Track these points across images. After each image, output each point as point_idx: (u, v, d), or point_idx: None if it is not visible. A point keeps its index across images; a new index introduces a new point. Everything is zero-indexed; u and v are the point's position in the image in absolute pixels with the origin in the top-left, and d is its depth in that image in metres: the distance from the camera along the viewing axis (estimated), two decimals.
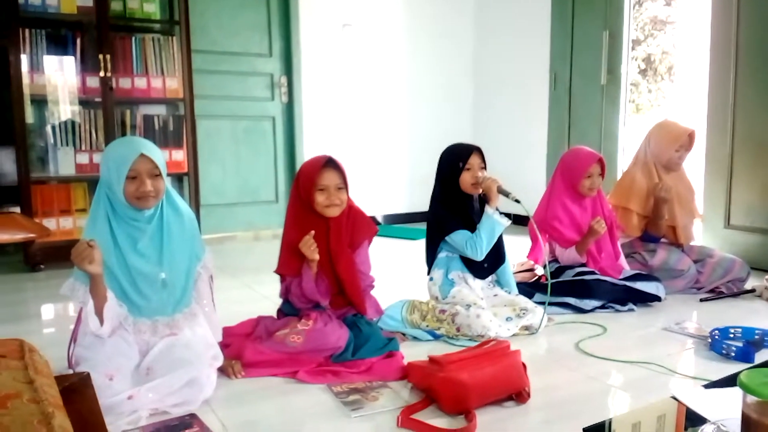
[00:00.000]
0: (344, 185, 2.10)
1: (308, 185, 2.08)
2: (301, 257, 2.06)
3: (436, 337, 2.28)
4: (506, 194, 2.37)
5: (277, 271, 2.17)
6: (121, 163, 1.74)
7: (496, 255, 2.49)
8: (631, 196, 2.92)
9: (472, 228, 2.42)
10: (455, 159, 2.44)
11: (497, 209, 2.40)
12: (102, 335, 1.72)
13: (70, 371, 1.78)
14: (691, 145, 2.94)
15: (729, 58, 3.50)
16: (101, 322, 1.72)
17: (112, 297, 1.75)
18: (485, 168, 2.44)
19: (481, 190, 2.43)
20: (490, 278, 2.54)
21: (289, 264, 2.12)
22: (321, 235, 2.10)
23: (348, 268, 2.15)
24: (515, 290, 2.54)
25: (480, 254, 2.39)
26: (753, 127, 3.42)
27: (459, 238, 2.40)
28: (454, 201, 2.45)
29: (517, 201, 2.36)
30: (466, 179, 2.42)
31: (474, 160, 2.41)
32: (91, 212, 1.83)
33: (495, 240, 2.42)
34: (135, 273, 1.80)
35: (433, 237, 2.51)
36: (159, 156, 1.80)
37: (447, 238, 2.44)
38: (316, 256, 2.04)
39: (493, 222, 2.38)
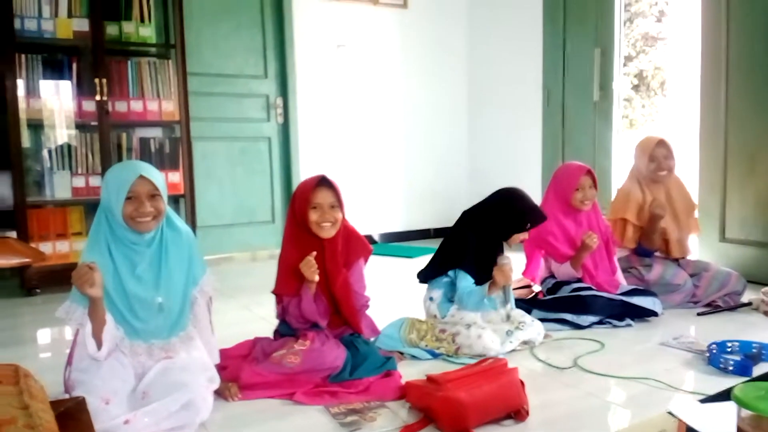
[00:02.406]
0: (338, 204, 2.11)
1: (302, 204, 2.09)
2: (300, 278, 2.06)
3: (435, 356, 2.27)
4: (506, 296, 2.45)
5: (274, 292, 2.17)
6: (120, 185, 1.75)
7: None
8: (626, 208, 2.95)
9: (480, 268, 2.41)
10: (523, 219, 2.47)
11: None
12: (99, 358, 1.71)
13: (66, 395, 1.77)
14: (668, 155, 2.96)
15: (720, 72, 3.53)
16: (99, 345, 1.71)
17: (111, 320, 1.74)
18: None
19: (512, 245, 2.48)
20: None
21: (288, 284, 2.12)
22: (317, 255, 2.09)
23: (343, 288, 2.15)
24: (511, 302, 2.54)
25: (465, 307, 2.39)
26: (745, 140, 3.44)
27: (463, 282, 2.40)
28: (490, 242, 2.46)
29: (507, 313, 2.44)
30: (515, 239, 2.47)
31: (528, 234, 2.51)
32: (90, 236, 1.83)
33: (479, 308, 2.40)
34: (132, 297, 1.79)
35: (448, 257, 2.48)
36: (158, 177, 1.81)
37: (457, 271, 2.43)
38: (316, 278, 2.04)
39: (483, 302, 2.39)
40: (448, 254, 2.49)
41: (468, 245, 2.43)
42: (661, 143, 2.96)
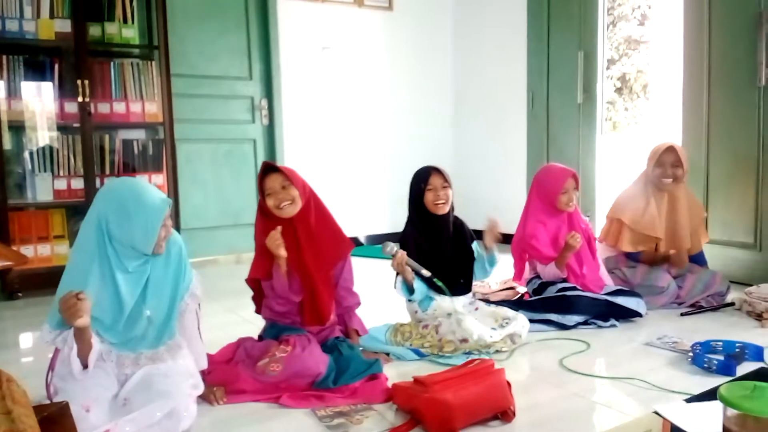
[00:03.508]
0: (289, 182, 2.13)
1: (260, 194, 2.16)
2: (271, 258, 2.09)
3: (421, 356, 2.28)
4: (418, 271, 2.35)
5: (248, 278, 2.20)
6: (150, 219, 1.72)
7: (468, 274, 2.54)
8: (624, 210, 2.96)
9: (439, 250, 2.45)
10: (417, 180, 2.49)
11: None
12: (81, 378, 1.67)
13: (48, 401, 1.74)
14: (676, 163, 2.92)
15: (702, 75, 3.57)
16: (84, 364, 1.67)
17: (97, 341, 1.69)
18: (449, 187, 2.47)
19: (447, 209, 2.47)
20: (470, 295, 2.56)
21: (260, 266, 2.16)
22: (289, 236, 2.13)
23: (317, 263, 2.18)
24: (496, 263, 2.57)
25: (414, 296, 2.43)
26: (727, 143, 3.48)
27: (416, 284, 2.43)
28: (422, 222, 2.49)
29: (434, 279, 2.36)
30: (429, 199, 2.46)
31: (435, 180, 2.45)
32: (78, 246, 1.77)
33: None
34: (120, 310, 1.76)
35: None
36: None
37: None
38: (283, 252, 2.08)
39: (411, 303, 2.46)
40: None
41: (408, 240, 2.48)
42: (670, 150, 2.92)
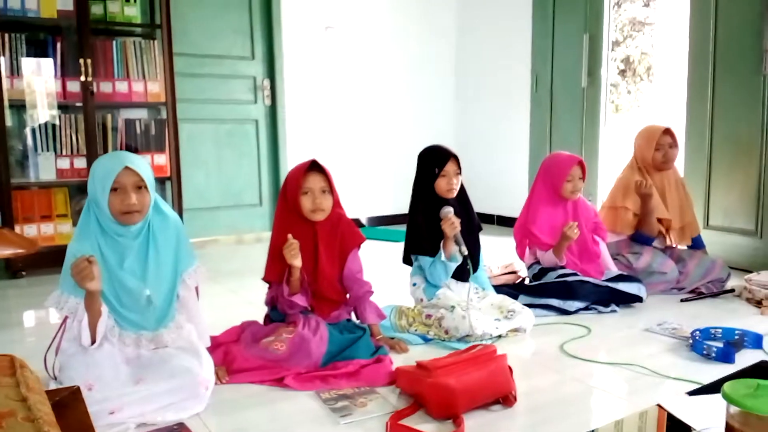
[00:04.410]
0: (329, 189, 2.11)
1: (294, 189, 2.09)
2: (284, 262, 2.06)
3: (427, 341, 2.29)
4: (459, 244, 2.32)
5: (264, 279, 2.17)
6: (105, 176, 1.73)
7: (476, 258, 2.52)
8: (626, 197, 2.98)
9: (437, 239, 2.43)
10: (431, 164, 2.45)
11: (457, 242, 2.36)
12: (90, 349, 1.71)
13: (52, 380, 1.76)
14: (673, 143, 3.01)
15: (707, 58, 3.55)
16: (93, 336, 1.70)
17: (106, 311, 1.73)
18: (460, 174, 2.46)
19: (455, 194, 2.45)
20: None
21: (273, 269, 2.13)
22: (308, 239, 2.10)
23: (331, 276, 2.16)
24: (491, 290, 2.58)
25: (439, 282, 2.43)
26: (731, 128, 3.48)
27: (423, 262, 2.45)
28: (430, 206, 2.46)
29: (466, 258, 2.31)
30: (441, 185, 2.44)
31: (450, 167, 2.43)
32: (78, 225, 1.81)
33: (451, 273, 2.44)
34: (121, 289, 1.78)
35: (407, 246, 2.54)
36: (145, 169, 1.79)
37: (416, 257, 2.49)
38: (298, 263, 2.03)
39: (445, 265, 2.42)
40: (407, 243, 2.54)
41: (415, 224, 2.47)
42: (667, 132, 3.00)
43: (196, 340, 1.87)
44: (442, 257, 2.40)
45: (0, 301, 3.08)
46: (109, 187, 1.72)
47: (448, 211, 2.35)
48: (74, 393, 1.00)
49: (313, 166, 2.09)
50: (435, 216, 2.40)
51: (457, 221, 2.32)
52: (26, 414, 0.76)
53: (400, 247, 2.61)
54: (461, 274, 2.47)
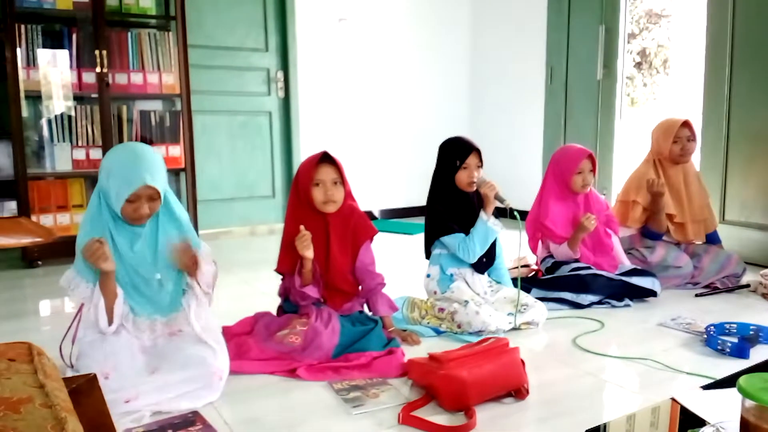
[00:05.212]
0: (341, 180, 2.11)
1: (305, 181, 2.10)
2: (296, 254, 2.07)
3: (439, 333, 2.30)
4: (502, 201, 2.36)
5: (276, 270, 2.18)
6: (122, 186, 1.73)
7: (492, 250, 2.51)
8: (639, 191, 2.96)
9: (466, 226, 2.42)
10: (453, 156, 2.43)
11: (493, 214, 2.40)
12: (108, 333, 1.73)
13: (69, 368, 1.79)
14: (692, 136, 2.96)
15: (724, 51, 3.51)
16: (110, 319, 1.73)
17: (121, 293, 1.76)
18: (482, 167, 2.45)
19: (475, 188, 2.43)
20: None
21: (285, 260, 2.14)
22: (320, 231, 2.11)
23: (343, 268, 2.16)
24: (509, 284, 2.56)
25: (472, 258, 2.40)
26: (748, 122, 3.44)
27: (452, 241, 2.41)
28: (449, 197, 2.44)
29: (513, 210, 2.33)
30: (462, 178, 2.41)
31: (472, 160, 2.40)
32: (88, 211, 1.83)
33: (488, 245, 2.42)
34: (132, 274, 1.80)
35: (428, 233, 2.52)
36: (161, 180, 1.79)
37: (441, 239, 2.45)
38: (309, 254, 2.04)
39: (487, 228, 2.38)
40: (428, 229, 2.51)
41: (436, 211, 2.46)
42: (686, 124, 2.96)
43: (216, 327, 1.89)
44: (485, 219, 2.38)
45: (16, 290, 3.12)
46: (125, 198, 1.73)
47: (482, 175, 2.37)
48: (91, 381, 1.01)
49: (325, 158, 2.10)
50: (455, 206, 2.40)
51: (493, 181, 2.35)
52: (44, 400, 0.77)
53: (412, 239, 2.60)
54: (479, 266, 2.46)
